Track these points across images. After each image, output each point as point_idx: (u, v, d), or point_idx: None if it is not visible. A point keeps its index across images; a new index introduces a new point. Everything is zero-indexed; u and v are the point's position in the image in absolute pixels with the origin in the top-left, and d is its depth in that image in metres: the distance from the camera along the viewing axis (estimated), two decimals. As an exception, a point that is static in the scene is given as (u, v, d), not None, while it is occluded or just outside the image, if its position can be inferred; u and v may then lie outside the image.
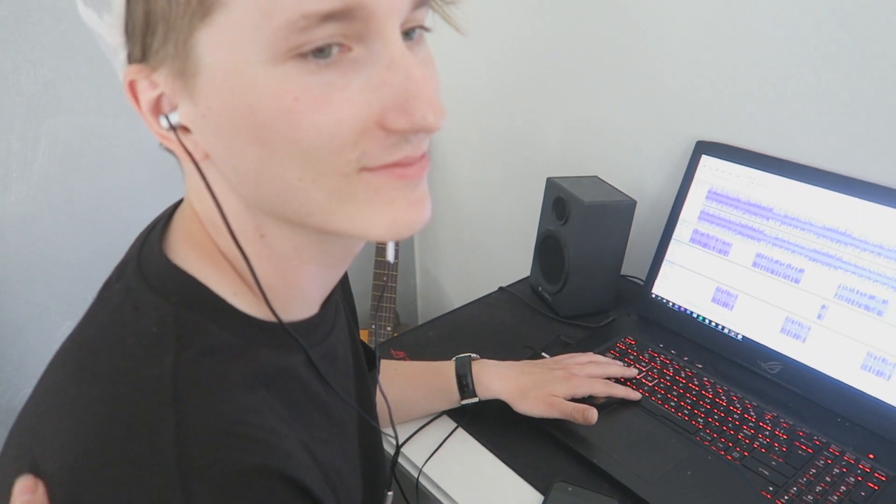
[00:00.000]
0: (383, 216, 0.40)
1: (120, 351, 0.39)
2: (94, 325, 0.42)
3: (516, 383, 0.81)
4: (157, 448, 0.35)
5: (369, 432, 0.61)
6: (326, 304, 0.52)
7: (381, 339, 1.43)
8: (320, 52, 0.35)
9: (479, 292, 1.14)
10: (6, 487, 0.39)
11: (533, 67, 1.27)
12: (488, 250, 1.58)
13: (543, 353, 0.94)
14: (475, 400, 0.81)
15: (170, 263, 0.43)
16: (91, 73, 1.18)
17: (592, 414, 0.77)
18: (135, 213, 1.31)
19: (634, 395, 0.85)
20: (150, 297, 0.42)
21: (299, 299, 0.48)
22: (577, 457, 0.77)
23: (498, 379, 0.82)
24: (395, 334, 1.29)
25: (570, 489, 0.72)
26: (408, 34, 0.39)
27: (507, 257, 1.52)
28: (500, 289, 1.14)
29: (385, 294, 1.50)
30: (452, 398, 0.82)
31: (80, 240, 1.29)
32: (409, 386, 0.83)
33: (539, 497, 0.73)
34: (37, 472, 0.38)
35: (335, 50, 0.35)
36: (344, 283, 0.65)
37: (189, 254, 0.44)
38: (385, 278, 1.48)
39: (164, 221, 0.47)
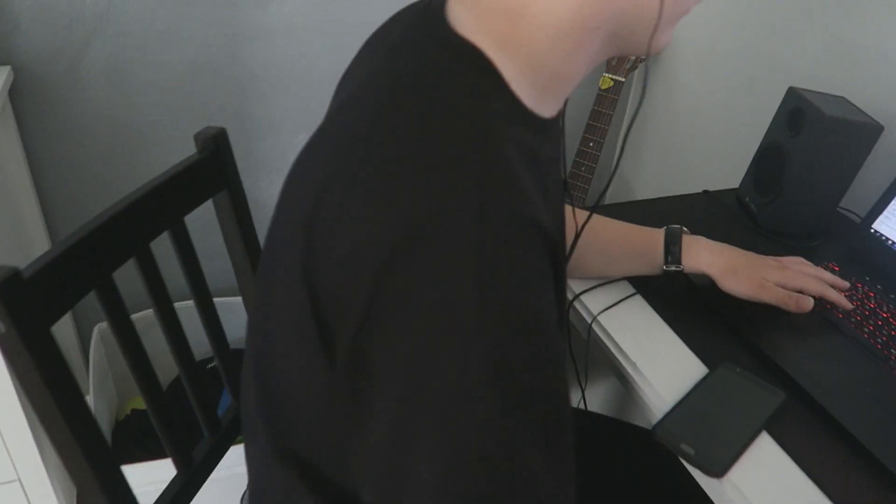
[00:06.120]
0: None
1: (429, 92, 0.46)
2: (402, 71, 0.48)
3: (727, 260, 0.81)
4: (462, 176, 0.41)
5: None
6: (558, 114, 0.55)
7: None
8: None
9: (678, 191, 1.13)
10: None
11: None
12: (697, 153, 1.53)
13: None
14: (678, 268, 0.81)
15: (460, 38, 0.47)
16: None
17: (807, 302, 0.77)
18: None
19: (846, 303, 0.82)
20: (446, 62, 0.47)
21: (556, 100, 0.52)
22: (754, 349, 0.77)
23: (709, 252, 0.82)
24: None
25: (737, 370, 0.74)
26: None
27: (715, 165, 1.47)
28: (705, 192, 1.12)
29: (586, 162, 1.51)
30: (655, 263, 0.83)
31: (329, 58, 1.44)
32: (614, 241, 0.85)
33: (704, 370, 0.75)
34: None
35: None
36: None
37: (478, 32, 0.48)
38: (591, 145, 1.50)
39: None
